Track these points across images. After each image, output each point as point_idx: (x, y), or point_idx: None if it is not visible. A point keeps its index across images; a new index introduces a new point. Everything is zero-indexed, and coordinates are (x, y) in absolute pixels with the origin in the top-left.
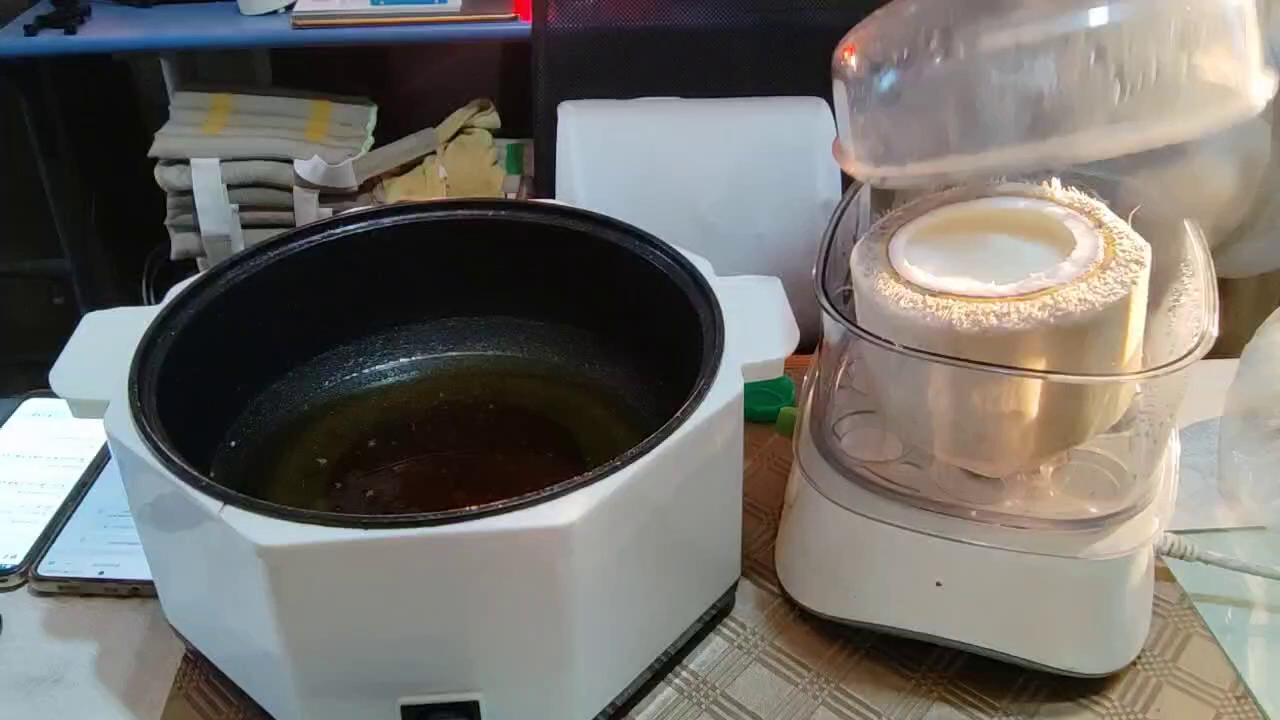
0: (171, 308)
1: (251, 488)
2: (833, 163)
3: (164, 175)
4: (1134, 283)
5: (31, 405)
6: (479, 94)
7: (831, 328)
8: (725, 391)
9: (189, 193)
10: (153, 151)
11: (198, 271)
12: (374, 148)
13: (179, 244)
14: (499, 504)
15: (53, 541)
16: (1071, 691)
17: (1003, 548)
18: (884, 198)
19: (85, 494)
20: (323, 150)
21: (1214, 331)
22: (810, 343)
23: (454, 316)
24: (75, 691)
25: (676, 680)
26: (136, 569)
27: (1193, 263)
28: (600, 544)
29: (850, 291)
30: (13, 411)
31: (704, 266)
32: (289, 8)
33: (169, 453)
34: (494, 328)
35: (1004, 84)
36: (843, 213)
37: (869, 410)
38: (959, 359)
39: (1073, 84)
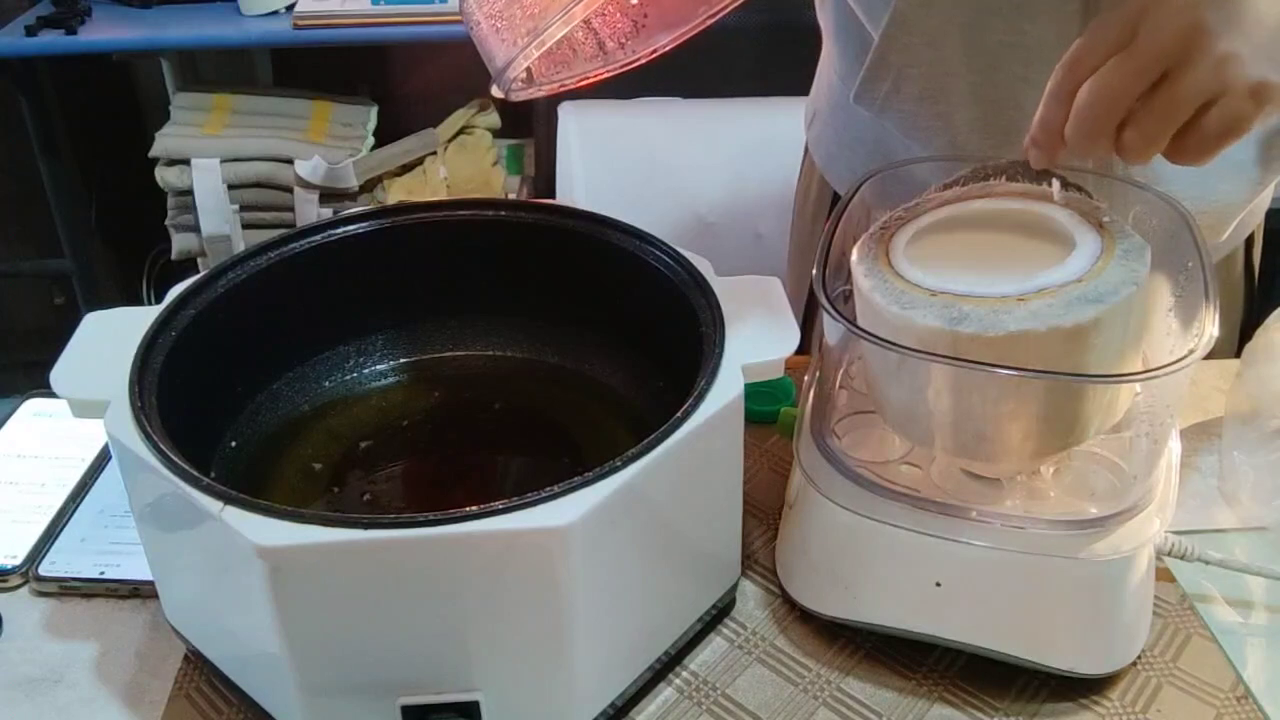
0: (172, 308)
1: (251, 488)
2: None
3: (164, 175)
4: (1134, 283)
5: (31, 405)
6: (479, 94)
7: (831, 328)
8: (725, 391)
9: (189, 193)
10: (153, 152)
11: (198, 271)
12: (374, 148)
13: (179, 244)
14: (499, 504)
15: (53, 541)
16: (1071, 691)
17: (1003, 548)
18: (884, 197)
19: (85, 494)
20: (323, 150)
21: (1214, 331)
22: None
23: (454, 316)
24: (75, 691)
25: (677, 680)
26: (136, 569)
27: (1193, 263)
28: (600, 544)
29: (850, 291)
30: (13, 411)
31: (704, 266)
32: (289, 8)
33: (169, 453)
34: (494, 328)
35: None
36: (843, 213)
37: (869, 410)
38: (959, 359)
39: None
